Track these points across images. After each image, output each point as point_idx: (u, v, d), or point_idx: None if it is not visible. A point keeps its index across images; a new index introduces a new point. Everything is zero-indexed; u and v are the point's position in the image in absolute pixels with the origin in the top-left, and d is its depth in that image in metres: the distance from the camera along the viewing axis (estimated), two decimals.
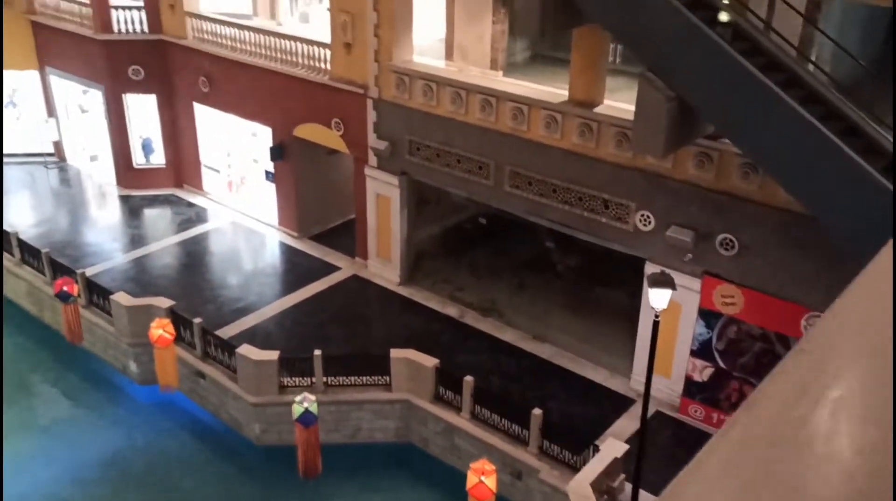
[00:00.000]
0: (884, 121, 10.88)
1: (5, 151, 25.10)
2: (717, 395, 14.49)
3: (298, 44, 18.67)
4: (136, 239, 21.55)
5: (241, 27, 19.77)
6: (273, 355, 15.41)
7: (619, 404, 15.20)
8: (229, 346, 16.01)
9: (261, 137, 20.78)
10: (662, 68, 11.55)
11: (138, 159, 23.36)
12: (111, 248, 21.04)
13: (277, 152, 20.05)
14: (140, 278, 19.54)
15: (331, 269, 19.83)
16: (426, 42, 20.19)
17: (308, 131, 19.27)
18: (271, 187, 21.17)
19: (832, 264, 11.97)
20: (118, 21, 21.30)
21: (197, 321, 16.35)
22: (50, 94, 24.26)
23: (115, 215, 22.92)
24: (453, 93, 16.10)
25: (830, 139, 10.11)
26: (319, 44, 18.23)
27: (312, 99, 18.70)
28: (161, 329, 13.99)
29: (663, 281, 11.17)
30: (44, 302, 19.16)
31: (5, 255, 20.12)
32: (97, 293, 17.89)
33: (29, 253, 19.47)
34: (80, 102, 24.31)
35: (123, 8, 21.36)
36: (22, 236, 20.31)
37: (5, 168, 24.86)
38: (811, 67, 12.09)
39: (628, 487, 12.66)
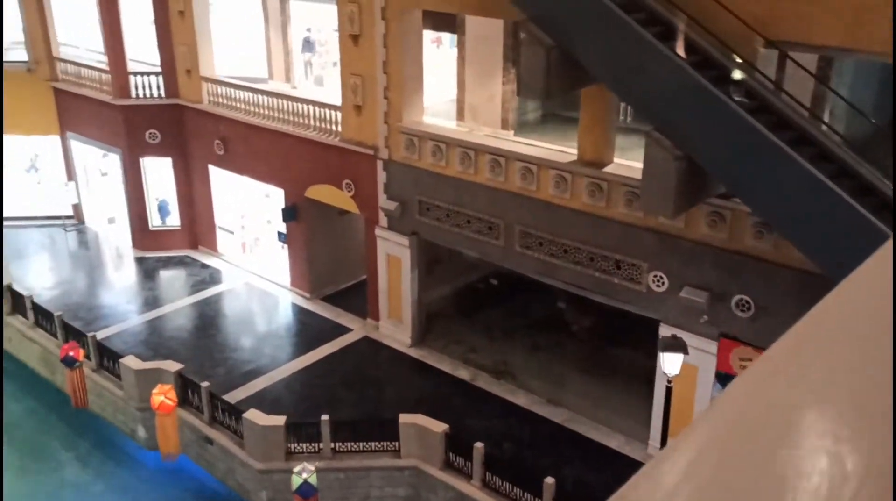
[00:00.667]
0: None
1: (26, 214, 25.47)
2: None
3: (310, 106, 18.84)
4: (150, 301, 21.53)
5: (254, 91, 20.02)
6: (280, 420, 15.10)
7: (636, 471, 14.59)
8: (236, 411, 15.73)
9: (274, 198, 20.84)
10: (669, 127, 11.39)
11: (154, 221, 23.52)
12: (125, 310, 21.01)
13: (290, 213, 20.06)
14: (152, 341, 19.43)
15: (342, 330, 19.59)
16: (438, 103, 20.31)
17: (320, 192, 19.28)
18: (284, 248, 21.14)
19: None
20: (136, 86, 21.69)
21: (205, 385, 16.13)
22: (70, 158, 24.64)
23: (131, 277, 22.97)
24: (462, 153, 16.05)
25: (843, 198, 9.81)
26: (330, 106, 18.37)
27: (324, 160, 18.77)
28: (163, 396, 13.78)
29: (675, 346, 10.80)
30: (56, 366, 19.03)
31: (20, 318, 20.17)
32: (107, 357, 17.78)
33: (42, 316, 19.49)
34: (100, 166, 24.64)
35: (141, 74, 21.78)
36: (37, 299, 20.40)
37: (25, 231, 25.19)
38: (824, 124, 11.86)
39: None
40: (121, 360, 17.03)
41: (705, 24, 11.62)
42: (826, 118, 12.91)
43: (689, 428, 1.12)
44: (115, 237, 24.61)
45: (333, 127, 18.42)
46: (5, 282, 20.41)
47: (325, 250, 20.48)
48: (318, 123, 18.73)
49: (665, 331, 13.69)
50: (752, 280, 12.83)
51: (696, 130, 11.13)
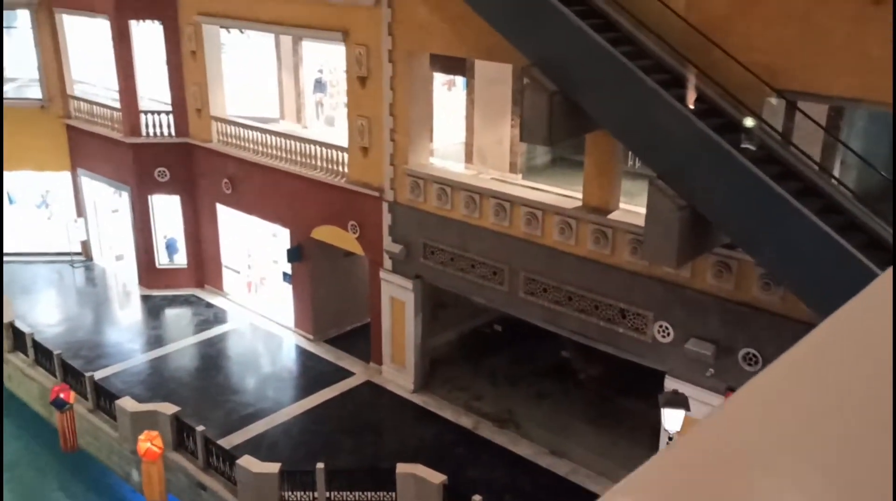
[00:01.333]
0: None
1: (36, 250, 25.52)
2: None
3: (317, 147, 18.78)
4: (153, 340, 21.34)
5: (262, 131, 20.03)
6: (274, 467, 14.72)
7: None
8: (231, 456, 15.38)
9: (281, 238, 20.71)
10: (673, 176, 11.13)
11: (161, 259, 23.45)
12: (128, 349, 20.82)
13: (294, 254, 19.90)
14: (152, 382, 19.19)
15: (344, 374, 19.27)
16: (449, 145, 20.20)
17: (325, 233, 19.13)
18: (289, 289, 20.94)
19: None
20: (147, 125, 21.78)
21: (200, 429, 15.81)
22: (80, 195, 24.72)
23: (135, 316, 22.82)
24: (467, 197, 15.85)
25: (851, 252, 9.46)
26: (337, 147, 18.30)
27: (330, 201, 18.64)
28: (149, 442, 13.47)
29: (676, 401, 10.40)
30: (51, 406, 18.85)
31: (20, 355, 20.04)
32: (104, 397, 17.54)
33: (43, 354, 19.32)
34: (111, 203, 24.68)
35: (152, 112, 21.88)
36: (41, 336, 20.28)
37: (34, 267, 25.22)
38: (832, 177, 11.55)
39: None
40: (116, 401, 16.77)
41: (712, 72, 11.42)
42: (837, 169, 12.60)
43: (646, 465, 1.10)
44: (122, 275, 24.55)
45: (340, 168, 18.32)
46: (8, 319, 20.33)
47: (329, 292, 20.26)
48: (324, 164, 18.66)
49: (671, 384, 13.29)
50: (760, 333, 12.42)
51: (700, 179, 10.86)
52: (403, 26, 15.83)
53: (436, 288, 17.54)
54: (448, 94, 22.34)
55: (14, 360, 20.17)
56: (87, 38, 24.08)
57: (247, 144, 20.33)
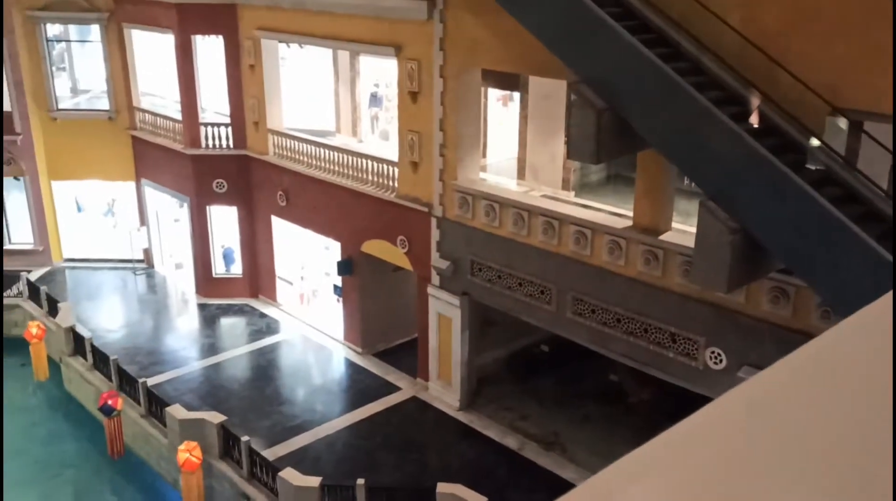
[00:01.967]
0: None
1: (102, 256, 26.27)
2: None
3: (369, 161, 18.82)
4: (207, 348, 21.67)
5: (316, 144, 20.19)
6: (315, 481, 14.69)
7: None
8: (273, 468, 15.42)
9: (333, 251, 20.81)
10: (725, 197, 10.69)
11: (218, 269, 23.84)
12: (182, 356, 21.18)
13: (345, 267, 19.95)
14: (203, 389, 19.45)
15: (391, 389, 19.18)
16: (502, 160, 20.02)
17: (375, 248, 19.12)
18: (339, 302, 21.00)
19: None
20: (206, 137, 22.22)
21: (245, 439, 15.92)
22: (143, 204, 25.36)
23: (191, 324, 23.23)
24: (515, 214, 15.61)
25: None
26: (388, 162, 18.30)
27: (380, 216, 18.64)
28: (188, 453, 13.59)
29: None
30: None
31: (80, 359, 20.59)
32: (155, 404, 17.84)
33: (100, 359, 19.81)
34: (173, 213, 25.24)
35: (212, 125, 22.31)
36: (100, 341, 20.84)
37: (99, 273, 25.97)
38: None
39: None
40: (166, 408, 17.04)
41: (769, 90, 10.97)
42: None
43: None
44: (180, 283, 25.05)
45: (390, 182, 18.31)
46: (68, 324, 20.92)
47: (378, 306, 20.23)
48: (375, 178, 18.67)
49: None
50: None
51: (753, 201, 10.39)
52: (455, 42, 15.74)
53: (483, 305, 17.31)
54: (503, 109, 22.14)
55: (73, 363, 20.75)
56: (157, 51, 24.76)
57: (301, 157, 20.53)
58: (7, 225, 26.02)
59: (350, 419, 18.10)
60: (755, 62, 11.04)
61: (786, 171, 9.95)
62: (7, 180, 25.51)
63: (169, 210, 25.22)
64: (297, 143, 20.63)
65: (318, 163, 20.07)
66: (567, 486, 15.49)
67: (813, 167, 10.68)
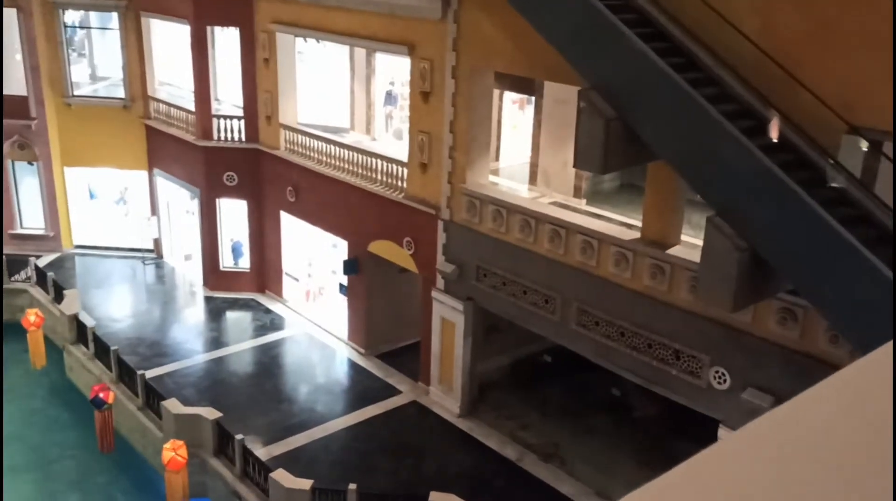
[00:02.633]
0: None
1: (112, 244, 26.23)
2: None
3: (378, 160, 18.58)
4: (210, 342, 21.54)
5: (327, 141, 19.98)
6: (306, 484, 14.47)
7: None
8: (266, 468, 15.23)
9: (340, 249, 20.60)
10: (733, 214, 10.32)
11: (225, 262, 23.71)
12: (185, 349, 21.07)
13: (350, 266, 19.73)
14: (203, 384, 19.30)
15: (391, 392, 18.93)
16: (515, 165, 19.72)
17: (381, 248, 18.89)
18: (344, 301, 20.79)
19: None
20: (218, 129, 22.08)
21: (238, 437, 15.74)
22: (155, 194, 25.29)
23: (197, 316, 23.13)
24: (523, 220, 15.29)
25: None
26: (398, 162, 18.05)
27: (387, 216, 18.40)
28: (174, 452, 13.39)
29: None
30: None
31: (81, 348, 20.53)
32: (153, 396, 17.72)
33: (101, 348, 19.72)
34: (184, 204, 25.14)
35: (225, 117, 22.18)
36: (104, 330, 20.78)
37: (109, 261, 25.95)
38: None
39: None
40: (162, 402, 16.90)
41: (783, 104, 10.58)
42: None
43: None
44: (188, 274, 24.96)
45: (399, 183, 18.06)
46: (72, 311, 20.87)
47: (383, 307, 19.99)
48: (384, 178, 18.43)
49: (724, 434, 12.35)
50: None
51: (762, 219, 10.02)
52: (468, 42, 15.46)
53: (487, 312, 17.02)
54: (519, 113, 21.82)
55: (75, 351, 20.71)
56: (176, 40, 24.68)
57: (312, 154, 20.33)
58: (19, 209, 26.07)
59: (348, 420, 17.88)
60: (771, 75, 10.65)
61: (796, 189, 9.57)
62: (20, 165, 25.58)
63: (180, 201, 25.13)
64: (308, 139, 20.44)
65: (329, 160, 19.86)
66: None
67: (830, 186, 10.29)
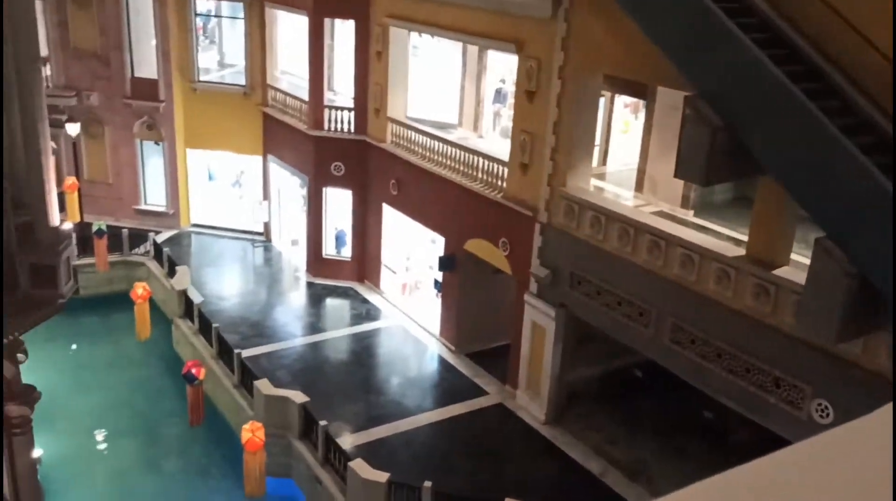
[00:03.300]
0: None
1: (226, 225, 27.28)
2: None
3: (479, 158, 18.42)
4: (307, 327, 22.04)
5: (431, 136, 19.99)
6: (383, 476, 14.53)
7: None
8: (346, 456, 15.40)
9: (438, 245, 20.60)
10: (844, 236, 9.54)
11: (328, 250, 24.19)
12: (283, 331, 21.63)
13: (446, 263, 19.69)
14: (296, 367, 19.75)
15: (478, 392, 18.78)
16: (622, 170, 19.14)
17: (477, 247, 18.74)
18: (438, 297, 20.79)
19: None
20: (329, 120, 22.52)
21: (322, 423, 16.00)
22: (268, 179, 26.09)
23: (297, 301, 23.71)
24: (622, 228, 14.76)
25: None
26: (498, 161, 17.83)
27: (485, 215, 18.23)
28: (251, 433, 13.69)
29: None
30: (209, 375, 19.90)
31: (187, 322, 21.44)
32: (248, 375, 18.26)
33: (205, 324, 20.52)
34: (294, 190, 25.82)
35: (336, 108, 22.59)
36: (208, 308, 21.61)
37: (222, 241, 26.99)
38: None
39: None
40: (255, 382, 17.38)
41: None
42: None
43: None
44: (294, 260, 25.63)
45: (498, 182, 17.84)
46: (182, 287, 21.83)
47: (476, 306, 19.83)
48: (484, 177, 18.26)
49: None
50: None
51: (876, 244, 9.19)
52: (577, 42, 15.04)
53: (579, 320, 16.56)
54: (631, 117, 21.15)
55: (182, 325, 21.66)
56: (298, 31, 25.36)
57: (416, 148, 20.40)
58: (144, 187, 27.49)
59: (432, 417, 17.86)
60: None
61: None
62: (147, 144, 26.98)
63: (291, 187, 25.83)
64: (413, 133, 20.52)
65: (432, 155, 19.87)
66: None
67: None
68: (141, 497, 17.77)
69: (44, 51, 26.54)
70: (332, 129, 22.61)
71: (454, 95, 22.90)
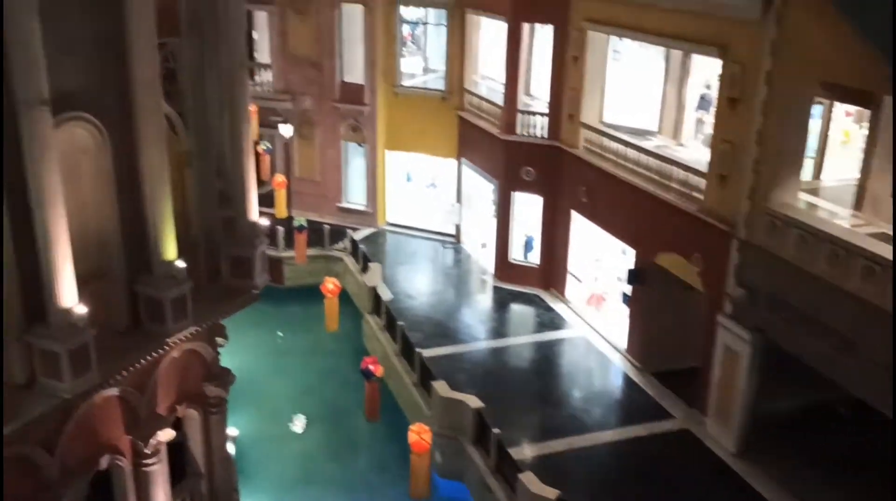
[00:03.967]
0: None
1: (420, 226, 28.02)
2: None
3: (675, 168, 17.47)
4: (490, 331, 22.06)
5: (625, 143, 19.25)
6: (552, 493, 14.18)
7: None
8: (516, 468, 15.16)
9: (628, 256, 19.81)
10: None
11: (515, 255, 24.09)
12: (466, 334, 21.79)
13: (635, 276, 18.89)
14: (476, 371, 19.79)
15: (662, 414, 17.82)
16: (839, 185, 17.40)
17: (669, 261, 17.79)
18: (625, 311, 19.98)
19: None
20: (521, 124, 22.40)
21: (495, 431, 15.87)
22: (461, 182, 26.45)
23: (482, 304, 23.80)
24: (832, 250, 13.32)
25: None
26: (696, 171, 16.80)
27: (678, 228, 17.25)
28: (418, 435, 13.75)
29: None
30: (389, 367, 20.45)
31: (375, 318, 22.19)
32: (427, 375, 18.54)
33: (391, 321, 21.12)
34: (486, 194, 25.97)
35: (529, 113, 22.44)
36: (396, 305, 22.24)
37: (416, 241, 27.76)
38: None
39: None
40: (433, 382, 17.60)
41: None
42: None
43: None
44: (482, 263, 25.78)
45: (695, 194, 16.80)
46: (373, 284, 22.61)
47: (665, 324, 18.82)
48: (680, 187, 17.28)
49: None
50: None
51: None
52: (789, 45, 13.76)
53: (778, 347, 15.18)
54: (854, 126, 19.16)
55: (371, 321, 22.47)
56: (499, 37, 25.52)
57: (609, 155, 19.75)
58: (346, 186, 28.89)
59: (611, 436, 17.17)
60: None
61: None
62: (351, 145, 28.33)
63: (482, 191, 26.00)
64: (606, 139, 19.88)
65: (625, 163, 19.13)
66: None
67: None
68: (321, 483, 18.57)
69: (266, 58, 28.87)
70: (525, 133, 22.46)
71: (655, 100, 21.92)
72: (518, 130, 22.47)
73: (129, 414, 11.26)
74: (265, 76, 28.46)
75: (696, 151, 19.58)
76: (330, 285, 18.14)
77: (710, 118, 21.40)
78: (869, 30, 10.61)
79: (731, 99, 15.21)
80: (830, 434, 16.53)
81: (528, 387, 19.16)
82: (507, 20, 21.79)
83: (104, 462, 11.04)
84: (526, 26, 22.31)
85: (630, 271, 19.06)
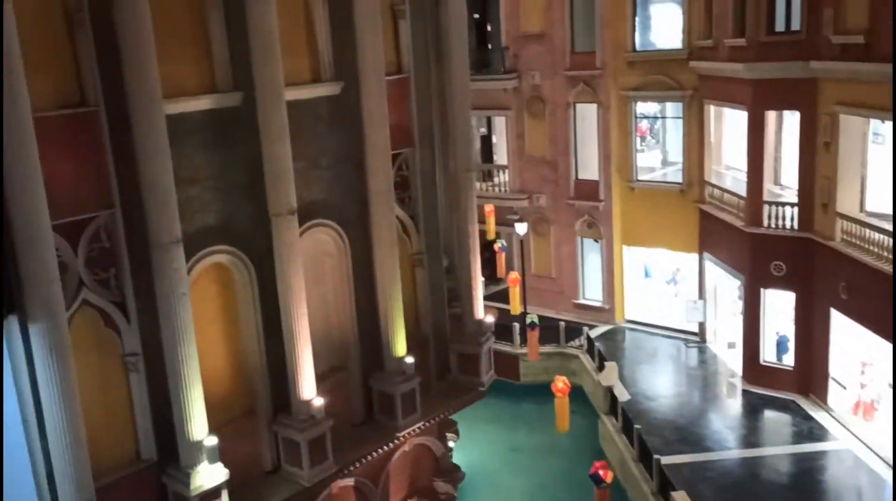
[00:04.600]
0: None
1: (660, 323, 26.95)
2: None
3: None
4: (739, 439, 20.33)
5: (888, 233, 17.24)
6: None
7: None
8: None
9: None
10: None
11: (767, 356, 22.22)
12: (711, 441, 20.23)
13: None
14: (721, 482, 18.21)
15: None
16: None
17: None
18: None
19: None
20: (768, 216, 21.04)
21: None
22: (703, 277, 25.19)
23: (730, 409, 22.02)
24: None
25: None
26: None
27: None
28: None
29: None
30: (629, 475, 19.47)
31: (612, 420, 21.36)
32: (666, 484, 17.37)
33: (628, 424, 20.20)
34: (732, 291, 24.47)
35: (777, 204, 21.03)
36: (635, 407, 21.29)
37: (656, 339, 26.69)
38: None
39: None
40: (673, 493, 16.44)
41: None
42: None
43: None
44: (729, 364, 24.06)
45: None
46: (609, 383, 21.90)
47: None
48: None
49: None
50: None
51: None
52: None
53: None
54: None
55: (607, 422, 21.68)
56: (738, 127, 24.51)
57: (871, 247, 17.80)
58: (583, 282, 28.67)
59: None
60: None
61: None
62: (587, 241, 28.25)
63: (727, 287, 24.54)
64: (867, 230, 17.97)
65: (889, 255, 17.10)
66: None
67: None
68: None
69: (504, 159, 30.06)
70: (772, 225, 21.02)
71: None
72: (765, 222, 21.09)
73: None
74: (503, 177, 29.55)
75: None
76: (560, 383, 17.85)
77: None
78: None
79: None
80: None
81: None
82: (747, 109, 20.88)
83: None
84: (771, 114, 21.21)
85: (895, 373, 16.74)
